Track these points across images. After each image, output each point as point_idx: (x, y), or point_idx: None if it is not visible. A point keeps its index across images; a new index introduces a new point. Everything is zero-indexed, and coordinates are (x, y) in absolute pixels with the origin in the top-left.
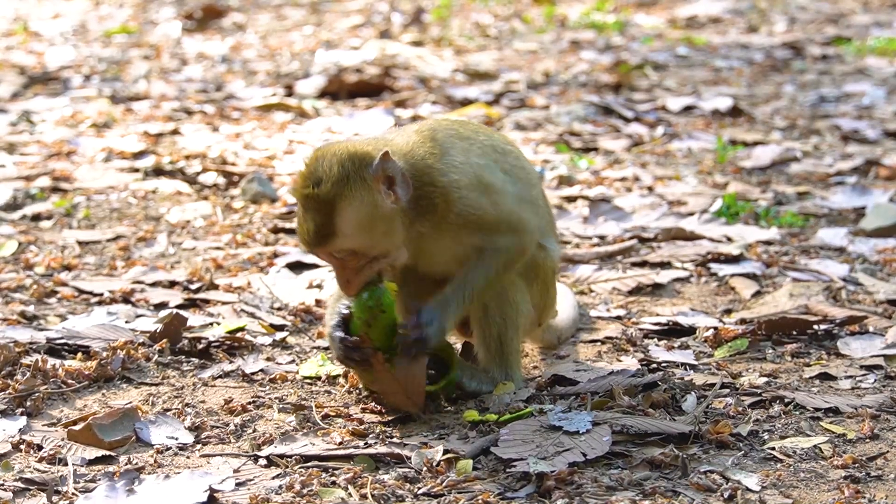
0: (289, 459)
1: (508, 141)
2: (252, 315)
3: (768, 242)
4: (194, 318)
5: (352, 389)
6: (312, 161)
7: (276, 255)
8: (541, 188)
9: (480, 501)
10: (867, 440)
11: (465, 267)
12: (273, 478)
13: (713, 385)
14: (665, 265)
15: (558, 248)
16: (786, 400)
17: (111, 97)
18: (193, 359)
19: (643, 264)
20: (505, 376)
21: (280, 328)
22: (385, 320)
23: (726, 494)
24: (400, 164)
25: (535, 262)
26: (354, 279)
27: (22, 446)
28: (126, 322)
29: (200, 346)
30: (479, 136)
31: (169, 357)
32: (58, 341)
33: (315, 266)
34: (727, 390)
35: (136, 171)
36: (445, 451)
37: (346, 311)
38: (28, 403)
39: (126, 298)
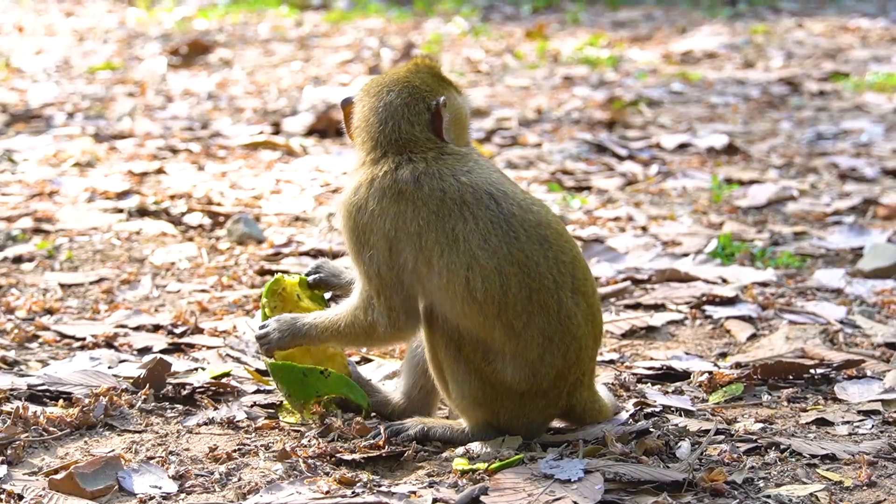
0: None
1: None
2: (237, 360)
3: (764, 284)
4: (178, 364)
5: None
6: None
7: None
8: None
9: None
10: (864, 488)
11: (333, 305)
12: None
13: (708, 431)
14: (659, 307)
15: (529, 374)
16: (782, 446)
17: (95, 135)
18: (178, 405)
19: (637, 306)
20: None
21: (266, 373)
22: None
23: None
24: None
25: (475, 358)
26: None
27: (2, 496)
28: (109, 367)
29: (185, 392)
30: (488, 201)
31: (153, 404)
32: (39, 387)
33: None
34: (722, 436)
35: (120, 211)
36: (434, 500)
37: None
38: (8, 452)
39: (109, 343)
